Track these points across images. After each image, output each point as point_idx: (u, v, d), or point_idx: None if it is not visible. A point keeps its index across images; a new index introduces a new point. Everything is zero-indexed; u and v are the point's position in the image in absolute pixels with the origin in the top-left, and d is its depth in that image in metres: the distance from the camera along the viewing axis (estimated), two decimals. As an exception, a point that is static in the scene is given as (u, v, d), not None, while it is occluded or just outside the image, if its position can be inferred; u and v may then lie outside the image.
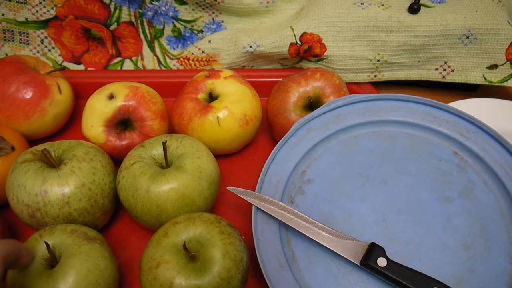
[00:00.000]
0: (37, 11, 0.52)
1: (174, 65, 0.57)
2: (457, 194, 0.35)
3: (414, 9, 0.49)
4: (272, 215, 0.33)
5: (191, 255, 0.29)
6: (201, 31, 0.56)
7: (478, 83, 0.52)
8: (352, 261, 0.31)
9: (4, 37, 0.53)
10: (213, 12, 0.55)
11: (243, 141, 0.44)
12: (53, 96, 0.43)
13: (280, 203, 0.34)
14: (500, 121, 0.46)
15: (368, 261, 0.30)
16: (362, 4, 0.50)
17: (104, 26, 0.55)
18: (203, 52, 0.55)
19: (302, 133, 0.38)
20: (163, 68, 0.57)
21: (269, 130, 0.49)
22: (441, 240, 0.33)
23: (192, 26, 0.56)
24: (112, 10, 0.54)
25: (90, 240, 0.31)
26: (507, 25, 0.48)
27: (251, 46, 0.51)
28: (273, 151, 0.37)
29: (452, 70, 0.52)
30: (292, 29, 0.50)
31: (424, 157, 0.37)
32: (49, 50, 0.55)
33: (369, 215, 0.35)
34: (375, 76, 0.53)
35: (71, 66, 0.56)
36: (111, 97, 0.41)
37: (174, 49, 0.57)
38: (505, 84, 0.51)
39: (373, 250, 0.31)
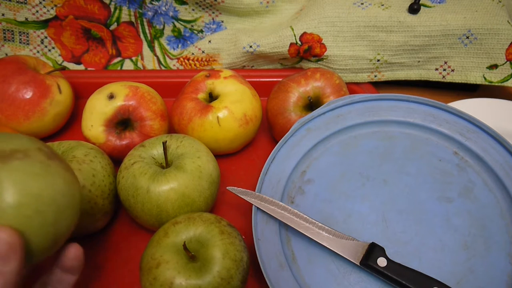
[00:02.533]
0: (37, 11, 0.52)
1: (174, 65, 0.57)
2: (457, 194, 0.35)
3: (414, 9, 0.49)
4: (272, 215, 0.33)
5: (191, 255, 0.29)
6: (201, 31, 0.56)
7: (478, 83, 0.52)
8: (352, 261, 0.31)
9: (4, 37, 0.53)
10: (213, 12, 0.55)
11: (243, 141, 0.44)
12: (53, 96, 0.43)
13: (280, 203, 0.34)
14: (500, 121, 0.46)
15: (368, 261, 0.30)
16: (362, 4, 0.50)
17: (104, 26, 0.55)
18: (203, 52, 0.55)
19: (302, 133, 0.38)
20: (163, 68, 0.57)
21: (269, 130, 0.49)
22: (441, 240, 0.33)
23: (192, 26, 0.56)
24: (112, 10, 0.54)
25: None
26: (507, 25, 0.48)
27: (251, 46, 0.51)
28: (273, 151, 0.37)
29: (452, 70, 0.52)
30: (292, 29, 0.50)
31: (424, 157, 0.37)
32: (49, 50, 0.55)
33: (369, 215, 0.35)
34: (375, 76, 0.53)
35: (71, 66, 0.56)
36: (111, 97, 0.41)
37: (174, 49, 0.57)
38: (505, 84, 0.51)
39: (373, 250, 0.31)
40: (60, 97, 0.44)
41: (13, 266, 0.20)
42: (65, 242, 0.25)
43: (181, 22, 0.55)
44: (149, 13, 0.54)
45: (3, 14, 0.52)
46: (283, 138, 0.38)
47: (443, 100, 0.41)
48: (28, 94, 0.42)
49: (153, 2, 0.53)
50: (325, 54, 0.51)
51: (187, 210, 0.35)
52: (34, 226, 0.21)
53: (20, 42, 0.54)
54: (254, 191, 0.35)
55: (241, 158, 0.46)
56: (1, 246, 0.20)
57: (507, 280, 0.31)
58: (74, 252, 0.25)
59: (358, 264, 0.31)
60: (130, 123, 0.42)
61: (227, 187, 0.35)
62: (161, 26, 0.55)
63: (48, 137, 0.47)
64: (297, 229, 0.33)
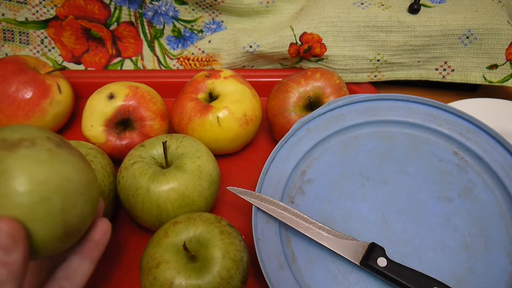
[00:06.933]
0: (37, 11, 0.52)
1: (174, 65, 0.57)
2: (457, 194, 0.35)
3: (414, 9, 0.49)
4: (272, 215, 0.33)
5: (191, 255, 0.29)
6: (201, 31, 0.56)
7: (478, 83, 0.52)
8: (352, 261, 0.31)
9: (4, 37, 0.53)
10: (213, 12, 0.55)
11: (243, 141, 0.44)
12: (53, 96, 0.43)
13: (280, 203, 0.34)
14: (500, 121, 0.46)
15: (368, 261, 0.31)
16: (362, 4, 0.50)
17: (104, 26, 0.55)
18: (203, 52, 0.55)
19: (302, 133, 0.38)
20: (163, 68, 0.57)
21: (269, 130, 0.49)
22: (441, 240, 0.33)
23: (192, 26, 0.56)
24: (112, 10, 0.54)
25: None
26: (507, 25, 0.48)
27: (251, 46, 0.51)
28: (273, 151, 0.37)
29: (452, 70, 0.52)
30: (292, 29, 0.50)
31: (424, 157, 0.37)
32: (49, 50, 0.55)
33: (369, 215, 0.35)
34: (375, 76, 0.53)
35: (71, 66, 0.56)
36: (111, 97, 0.41)
37: (174, 49, 0.57)
38: (505, 84, 0.51)
39: (373, 250, 0.31)
40: (60, 97, 0.44)
41: (16, 256, 0.20)
42: (82, 234, 0.25)
43: (181, 22, 0.55)
44: (149, 13, 0.54)
45: (3, 14, 0.52)
46: (283, 138, 0.38)
47: (443, 100, 0.41)
48: (28, 94, 0.42)
49: (153, 2, 0.53)
50: (325, 54, 0.51)
51: (187, 210, 0.35)
52: (41, 213, 0.21)
53: (20, 42, 0.54)
54: (254, 191, 0.35)
55: (241, 158, 0.46)
56: (1, 236, 0.20)
57: (507, 280, 0.31)
58: (103, 227, 0.26)
59: (358, 264, 0.31)
60: (130, 123, 0.42)
61: (227, 187, 0.35)
62: (161, 26, 0.55)
63: (48, 137, 0.47)
64: (297, 229, 0.33)
